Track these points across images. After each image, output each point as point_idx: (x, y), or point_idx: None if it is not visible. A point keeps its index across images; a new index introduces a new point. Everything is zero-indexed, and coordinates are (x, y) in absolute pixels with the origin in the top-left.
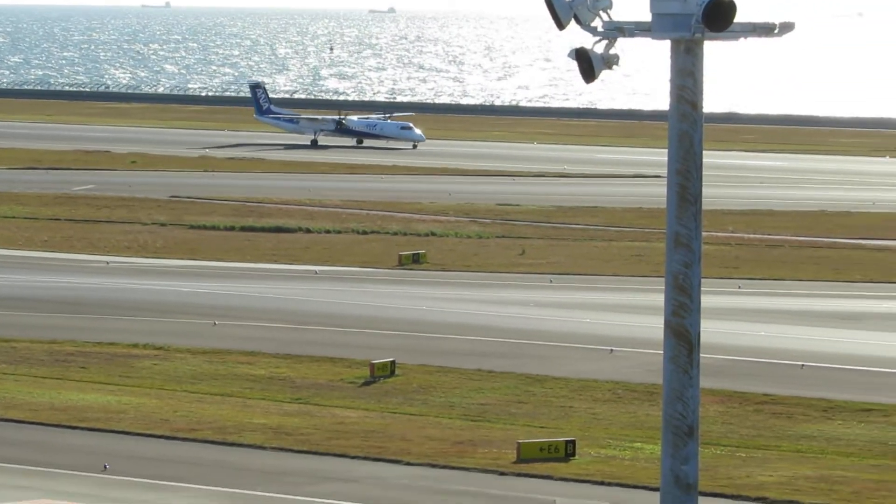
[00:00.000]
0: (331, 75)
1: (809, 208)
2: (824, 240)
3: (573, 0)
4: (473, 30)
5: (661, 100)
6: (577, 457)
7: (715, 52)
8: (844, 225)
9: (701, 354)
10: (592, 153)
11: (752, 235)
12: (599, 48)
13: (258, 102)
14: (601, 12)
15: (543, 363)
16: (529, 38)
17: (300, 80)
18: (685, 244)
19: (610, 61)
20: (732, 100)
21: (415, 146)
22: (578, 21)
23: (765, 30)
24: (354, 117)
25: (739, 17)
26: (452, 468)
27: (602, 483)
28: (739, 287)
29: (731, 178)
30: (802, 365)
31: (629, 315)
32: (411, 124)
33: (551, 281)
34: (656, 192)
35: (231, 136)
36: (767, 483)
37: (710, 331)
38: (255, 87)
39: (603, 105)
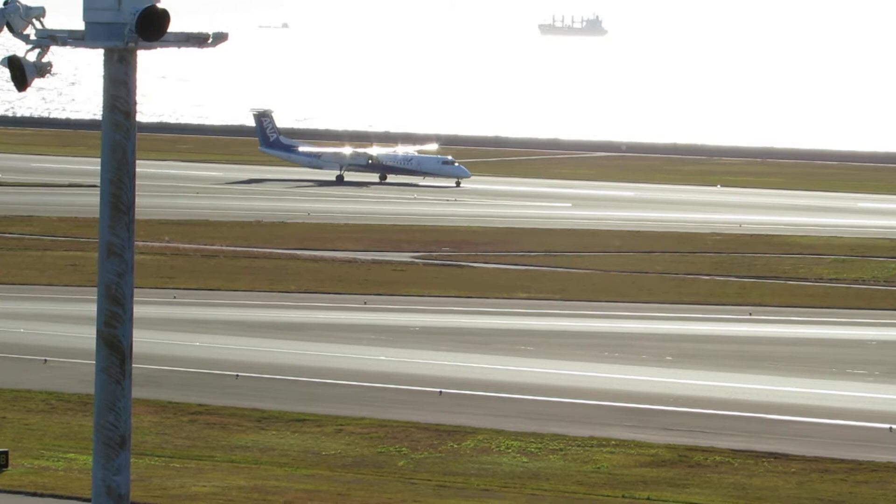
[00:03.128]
0: None
1: (245, 219)
2: (260, 250)
3: (5, 7)
4: None
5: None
6: (9, 468)
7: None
8: (280, 235)
9: (134, 365)
10: (27, 162)
11: (187, 245)
12: (32, 56)
13: (264, 133)
14: (34, 20)
15: None
16: None
17: None
18: (118, 254)
19: (43, 69)
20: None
21: (458, 183)
22: (11, 29)
23: (198, 40)
24: (375, 150)
25: (173, 27)
26: None
27: (35, 494)
28: (175, 297)
29: (167, 188)
30: (237, 375)
31: (64, 325)
32: (452, 158)
33: None
34: (91, 202)
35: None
36: (201, 493)
37: (145, 341)
38: (262, 115)
39: (39, 113)
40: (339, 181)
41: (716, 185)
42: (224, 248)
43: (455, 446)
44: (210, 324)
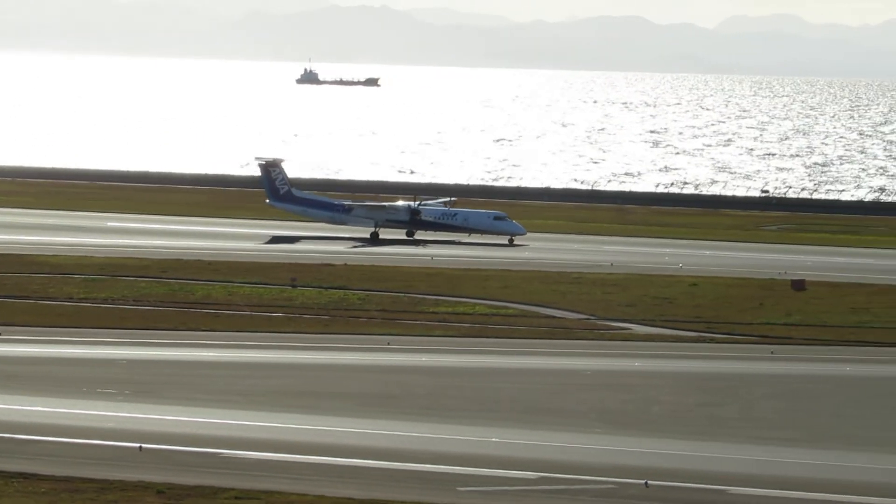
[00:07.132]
0: None
1: None
2: None
3: None
4: None
5: None
6: None
7: None
8: None
9: None
10: None
11: None
12: None
13: (272, 184)
14: None
15: None
16: None
17: None
18: None
19: None
20: None
21: (511, 241)
22: None
23: None
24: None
25: None
26: None
27: None
28: None
29: None
30: None
31: None
32: (505, 214)
33: None
34: None
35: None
36: None
37: None
38: (270, 165)
39: None
40: (374, 239)
41: None
42: None
43: None
44: None
